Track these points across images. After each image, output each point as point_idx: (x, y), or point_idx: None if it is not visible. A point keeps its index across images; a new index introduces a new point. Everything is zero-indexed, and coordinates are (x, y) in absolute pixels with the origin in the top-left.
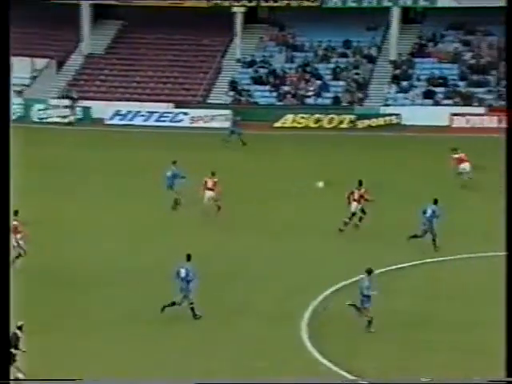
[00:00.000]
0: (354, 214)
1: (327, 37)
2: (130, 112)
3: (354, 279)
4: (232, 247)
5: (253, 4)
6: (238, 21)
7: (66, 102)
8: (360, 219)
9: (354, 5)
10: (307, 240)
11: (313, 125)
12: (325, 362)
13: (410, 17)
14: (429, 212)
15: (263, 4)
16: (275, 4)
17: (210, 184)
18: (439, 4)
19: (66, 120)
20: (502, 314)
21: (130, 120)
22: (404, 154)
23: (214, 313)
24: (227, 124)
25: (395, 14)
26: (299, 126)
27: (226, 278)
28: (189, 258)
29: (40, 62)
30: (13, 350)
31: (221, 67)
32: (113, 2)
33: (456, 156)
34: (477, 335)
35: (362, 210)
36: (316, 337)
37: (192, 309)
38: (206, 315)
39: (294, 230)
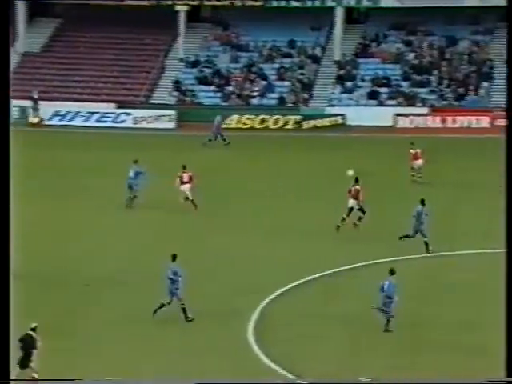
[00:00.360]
0: (351, 211)
1: (272, 36)
2: (69, 112)
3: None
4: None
5: (196, 2)
6: (181, 19)
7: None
8: (359, 219)
9: (297, 4)
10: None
11: (258, 126)
12: (269, 363)
13: (353, 17)
14: (416, 212)
15: (206, 3)
16: (218, 3)
17: (185, 178)
18: (382, 4)
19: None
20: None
21: (70, 120)
22: (351, 154)
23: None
24: (171, 125)
25: (339, 14)
26: (244, 126)
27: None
28: (174, 257)
29: None
30: (30, 351)
31: (164, 67)
32: (49, 0)
33: (412, 151)
34: (422, 334)
35: (361, 209)
36: (262, 340)
37: (183, 310)
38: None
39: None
